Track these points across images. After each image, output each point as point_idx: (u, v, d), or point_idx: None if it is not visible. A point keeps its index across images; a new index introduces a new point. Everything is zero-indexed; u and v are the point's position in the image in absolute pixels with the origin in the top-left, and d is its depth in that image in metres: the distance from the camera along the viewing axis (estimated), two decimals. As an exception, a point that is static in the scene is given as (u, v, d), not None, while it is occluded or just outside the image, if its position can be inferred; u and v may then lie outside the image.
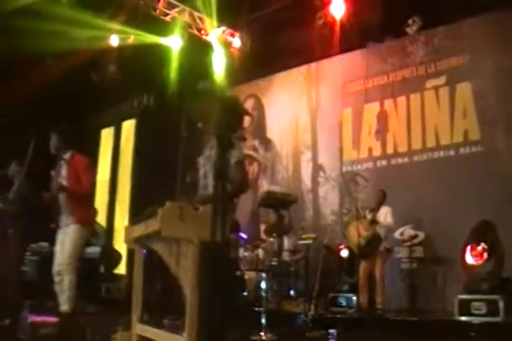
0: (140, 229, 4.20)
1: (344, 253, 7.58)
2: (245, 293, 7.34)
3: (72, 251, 5.23)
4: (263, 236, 8.38)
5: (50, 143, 5.50)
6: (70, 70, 9.77)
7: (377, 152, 8.67)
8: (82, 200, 5.43)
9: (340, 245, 7.77)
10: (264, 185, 9.76)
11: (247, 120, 10.20)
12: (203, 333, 3.49)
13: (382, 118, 8.71)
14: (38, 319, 5.66)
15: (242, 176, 3.97)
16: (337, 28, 8.73)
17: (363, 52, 9.24)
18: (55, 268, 5.24)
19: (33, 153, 5.72)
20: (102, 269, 9.18)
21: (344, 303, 6.99)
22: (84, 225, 5.35)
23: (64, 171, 5.39)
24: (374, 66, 9.00)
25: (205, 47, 9.89)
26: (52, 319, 5.30)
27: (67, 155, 5.47)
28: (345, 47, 9.13)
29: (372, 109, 8.87)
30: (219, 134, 3.15)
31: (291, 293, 7.67)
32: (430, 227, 7.54)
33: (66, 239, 5.28)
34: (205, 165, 4.19)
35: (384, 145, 8.60)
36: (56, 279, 5.22)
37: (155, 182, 9.91)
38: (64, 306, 5.07)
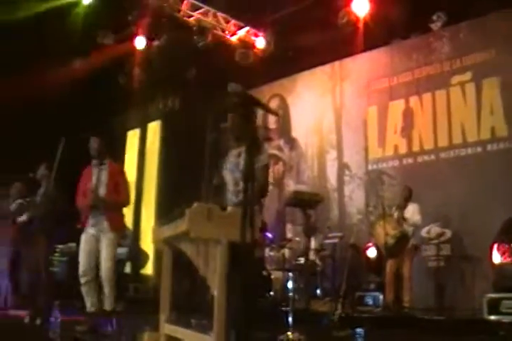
0: (168, 230, 4.22)
1: (371, 252, 7.56)
2: (271, 293, 7.36)
3: (111, 256, 5.41)
4: (289, 235, 8.39)
5: (90, 144, 5.57)
6: (96, 72, 9.90)
7: (403, 150, 8.60)
8: (119, 208, 5.59)
9: (367, 243, 7.74)
10: (290, 185, 9.75)
11: (273, 120, 10.23)
12: (230, 333, 3.53)
13: (408, 115, 8.63)
14: (69, 318, 5.76)
15: (265, 180, 4.12)
16: (360, 26, 8.67)
17: (387, 49, 9.17)
18: (81, 268, 5.36)
19: (61, 155, 5.79)
20: (128, 270, 9.32)
21: (371, 302, 6.97)
22: (119, 230, 5.57)
23: (104, 177, 5.49)
24: (399, 63, 8.93)
25: (230, 48, 9.92)
26: (82, 318, 5.41)
27: (106, 161, 5.58)
28: (369, 45, 9.07)
29: (398, 106, 8.80)
30: (249, 142, 3.21)
31: (318, 292, 7.66)
32: (458, 225, 7.46)
33: (103, 246, 5.42)
34: (234, 172, 4.25)
35: (410, 142, 8.52)
36: (82, 280, 5.35)
37: (181, 184, 10.00)
38: (109, 307, 5.31)
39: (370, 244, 7.63)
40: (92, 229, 5.46)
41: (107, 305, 5.34)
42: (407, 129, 8.60)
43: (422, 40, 8.73)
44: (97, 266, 5.47)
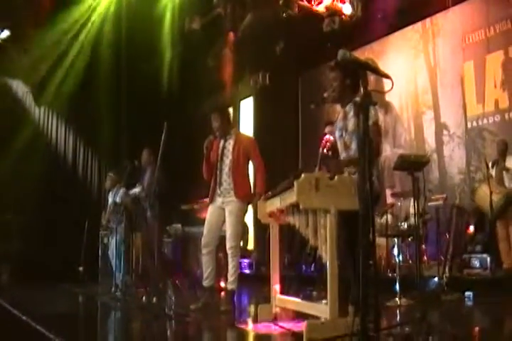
0: (275, 204, 4.29)
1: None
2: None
3: (235, 225, 5.33)
4: (389, 201, 8.37)
5: (213, 124, 5.55)
6: (186, 57, 10.19)
7: (504, 104, 8.19)
8: (246, 176, 5.58)
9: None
10: (387, 150, 9.64)
11: (388, 83, 9.99)
12: (345, 300, 3.60)
13: (508, 67, 8.18)
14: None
15: (379, 138, 3.98)
16: (450, -23, 8.32)
17: (481, -2, 8.72)
18: (204, 238, 5.39)
19: (166, 140, 5.94)
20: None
21: (478, 264, 6.87)
22: (245, 199, 5.41)
23: (230, 146, 5.48)
24: (495, 12, 8.45)
25: (317, 18, 9.82)
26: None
27: (232, 132, 5.60)
28: (461, -4, 8.69)
29: (496, 58, 8.36)
30: (359, 103, 3.19)
31: (424, 256, 7.66)
32: None
33: (227, 214, 5.37)
34: (344, 136, 4.15)
35: (512, 95, 8.15)
36: (203, 251, 5.39)
37: (277, 159, 10.16)
38: (231, 285, 5.30)
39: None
40: (219, 199, 5.46)
41: (229, 284, 5.32)
42: (508, 82, 8.18)
43: (520, -18, 8.22)
44: (221, 238, 5.46)
